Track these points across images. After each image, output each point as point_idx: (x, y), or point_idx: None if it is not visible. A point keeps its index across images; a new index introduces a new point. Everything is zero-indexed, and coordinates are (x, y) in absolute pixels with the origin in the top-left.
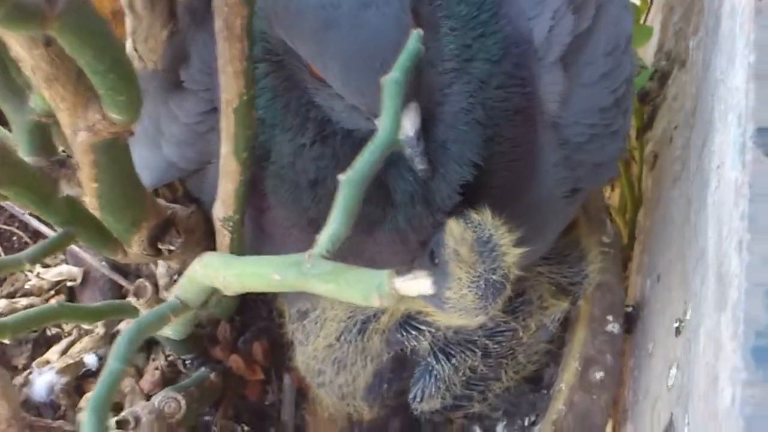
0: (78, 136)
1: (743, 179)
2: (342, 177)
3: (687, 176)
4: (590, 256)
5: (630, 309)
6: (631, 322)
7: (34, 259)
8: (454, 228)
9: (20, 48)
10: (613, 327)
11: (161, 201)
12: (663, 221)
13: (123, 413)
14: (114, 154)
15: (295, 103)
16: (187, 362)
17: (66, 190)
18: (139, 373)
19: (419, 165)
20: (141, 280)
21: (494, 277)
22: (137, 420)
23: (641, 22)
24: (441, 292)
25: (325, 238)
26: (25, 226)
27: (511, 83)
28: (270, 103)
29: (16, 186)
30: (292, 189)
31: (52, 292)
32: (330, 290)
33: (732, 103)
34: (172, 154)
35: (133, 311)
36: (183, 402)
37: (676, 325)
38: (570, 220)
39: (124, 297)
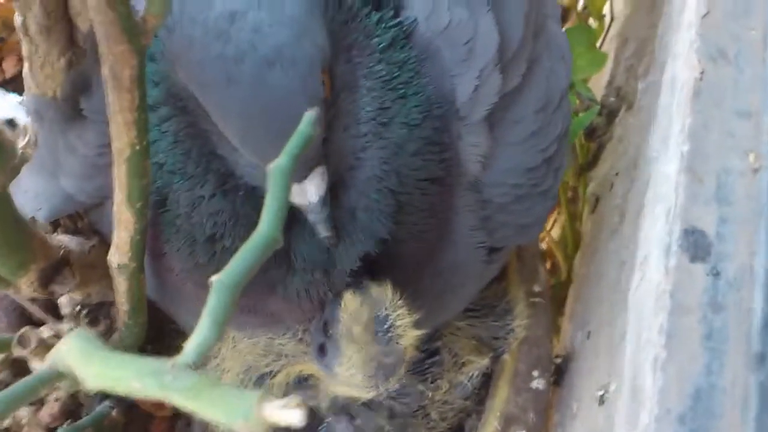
0: None
1: (665, 286)
2: (214, 279)
3: (622, 235)
4: (517, 309)
5: (559, 360)
6: (559, 374)
7: None
8: (349, 303)
9: None
10: (539, 383)
11: (57, 237)
12: (597, 274)
13: None
14: None
15: (197, 152)
16: (89, 394)
17: None
18: (41, 401)
19: (323, 232)
20: (26, 329)
21: (386, 360)
22: None
23: (596, 45)
24: (331, 365)
25: (191, 347)
26: None
27: (429, 150)
28: (171, 148)
29: None
30: (187, 242)
31: None
32: (192, 407)
33: (662, 191)
34: (69, 186)
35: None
36: None
37: (600, 393)
38: (491, 278)
39: (30, 318)
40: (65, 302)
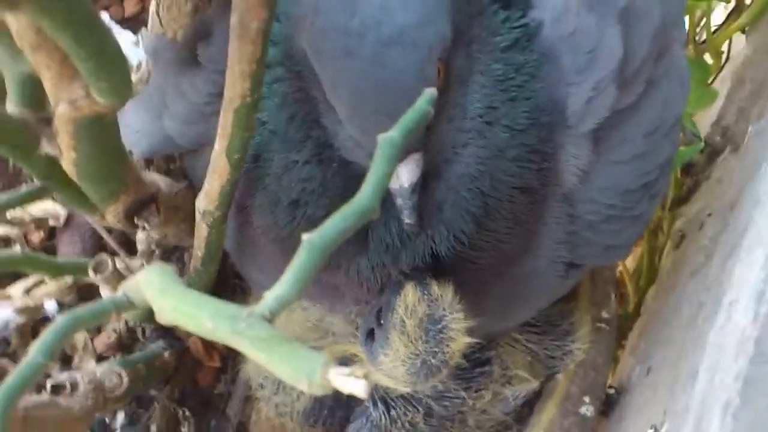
0: (59, 107)
1: (751, 333)
2: (305, 237)
3: (706, 277)
4: (581, 331)
5: (612, 391)
6: (609, 405)
7: (5, 207)
8: (409, 295)
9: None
10: (588, 410)
11: (149, 174)
12: (670, 312)
13: (62, 377)
14: (96, 130)
15: (301, 117)
16: (146, 331)
17: (47, 148)
18: (98, 329)
19: (407, 219)
20: (102, 255)
21: (432, 360)
22: (74, 387)
23: (709, 82)
24: (376, 353)
25: (270, 298)
26: None
27: (529, 158)
28: (277, 109)
29: None
30: (272, 202)
31: (33, 227)
32: (259, 358)
33: (765, 237)
34: (172, 129)
35: None
36: (126, 380)
37: (651, 431)
38: (563, 294)
39: (104, 248)
40: (142, 238)
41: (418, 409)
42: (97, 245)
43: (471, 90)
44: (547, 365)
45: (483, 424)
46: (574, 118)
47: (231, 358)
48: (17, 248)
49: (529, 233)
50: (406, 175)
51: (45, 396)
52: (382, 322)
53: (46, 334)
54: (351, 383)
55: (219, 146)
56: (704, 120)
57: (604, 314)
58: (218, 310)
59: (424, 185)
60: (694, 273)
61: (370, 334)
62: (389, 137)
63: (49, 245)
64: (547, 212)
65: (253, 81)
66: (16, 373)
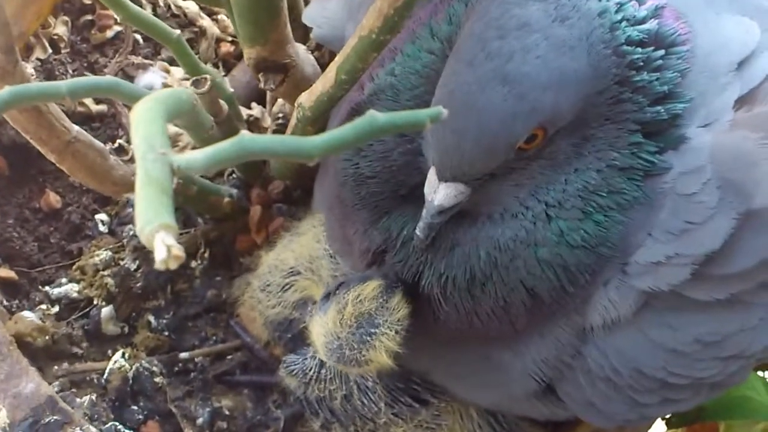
0: None
1: None
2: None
3: None
4: None
5: None
6: None
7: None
8: (369, 288)
9: None
10: None
11: (297, 47)
12: None
13: None
14: None
15: (419, 92)
16: (232, 174)
17: None
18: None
19: (418, 231)
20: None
21: (347, 351)
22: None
23: None
24: (319, 312)
25: (189, 157)
26: None
27: (556, 271)
28: (405, 75)
29: None
30: (350, 162)
31: None
32: (137, 184)
33: None
34: (348, 35)
35: None
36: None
37: None
38: (536, 417)
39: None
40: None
41: (342, 387)
42: (252, 93)
43: (554, 177)
44: None
45: None
46: (633, 267)
47: (269, 243)
48: None
49: (517, 332)
50: (441, 194)
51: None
52: (338, 291)
53: None
54: (159, 248)
55: (335, 60)
56: None
57: None
58: (158, 136)
59: (457, 218)
60: None
61: (327, 296)
62: None
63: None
64: (546, 326)
65: (384, 23)
66: None
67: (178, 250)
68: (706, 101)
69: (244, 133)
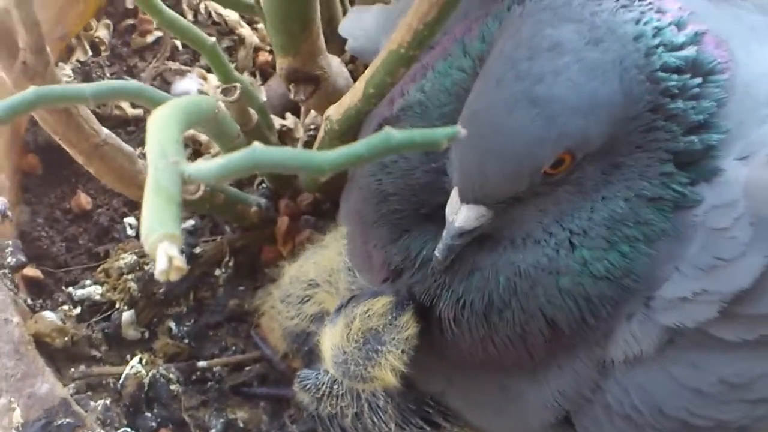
0: None
1: None
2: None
3: None
4: None
5: None
6: None
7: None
8: (378, 304)
9: None
10: None
11: (331, 58)
12: None
13: None
14: None
15: (447, 111)
16: (262, 182)
17: None
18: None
19: (437, 253)
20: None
21: (352, 366)
22: None
23: None
24: (330, 324)
25: (202, 168)
26: None
27: (577, 302)
28: (437, 102)
29: None
30: (374, 176)
31: None
32: (147, 189)
33: None
34: (371, 23)
35: None
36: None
37: None
38: None
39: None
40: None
41: (353, 404)
42: (285, 103)
43: (580, 204)
44: None
45: None
46: (658, 302)
47: (293, 256)
48: None
49: (534, 362)
50: (463, 216)
51: None
52: (348, 304)
53: None
54: (161, 258)
55: (364, 74)
56: None
57: None
58: (171, 143)
59: (478, 241)
60: None
61: (339, 309)
62: None
63: None
64: (565, 358)
65: (414, 37)
66: None
67: (180, 262)
68: (743, 133)
69: (256, 145)
